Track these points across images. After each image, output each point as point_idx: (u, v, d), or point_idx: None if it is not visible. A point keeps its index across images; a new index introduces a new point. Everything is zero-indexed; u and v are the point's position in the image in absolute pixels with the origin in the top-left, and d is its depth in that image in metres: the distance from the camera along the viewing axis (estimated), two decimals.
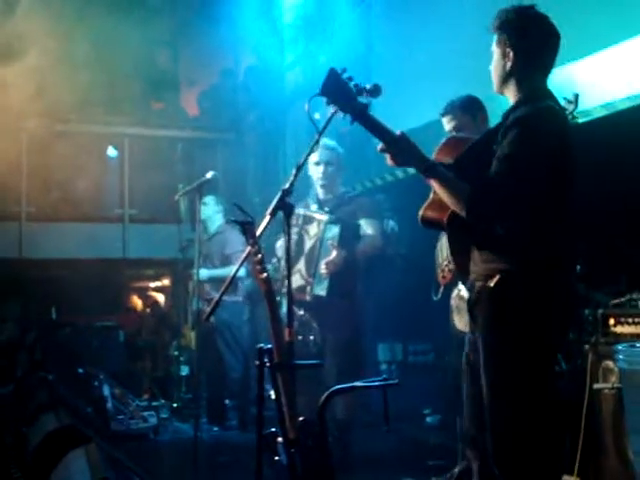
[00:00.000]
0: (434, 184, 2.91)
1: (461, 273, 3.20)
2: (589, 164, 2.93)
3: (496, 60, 3.01)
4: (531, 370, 2.85)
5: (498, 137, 2.88)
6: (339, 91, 2.84)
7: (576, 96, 3.91)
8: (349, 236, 5.11)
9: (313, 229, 5.11)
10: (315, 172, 5.28)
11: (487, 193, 2.78)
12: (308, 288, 5.02)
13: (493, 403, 2.86)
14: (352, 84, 2.86)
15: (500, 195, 2.77)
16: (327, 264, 4.97)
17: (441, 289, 4.48)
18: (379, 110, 3.15)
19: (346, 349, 5.09)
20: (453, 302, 4.38)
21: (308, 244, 5.09)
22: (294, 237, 4.92)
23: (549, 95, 2.98)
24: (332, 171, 5.26)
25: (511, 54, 2.95)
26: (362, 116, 2.87)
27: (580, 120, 4.13)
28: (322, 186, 5.27)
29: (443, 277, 4.39)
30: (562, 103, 3.86)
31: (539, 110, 2.87)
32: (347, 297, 5.10)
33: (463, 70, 5.83)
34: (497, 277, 2.87)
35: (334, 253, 4.99)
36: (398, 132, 2.89)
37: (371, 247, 5.25)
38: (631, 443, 3.50)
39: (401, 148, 2.88)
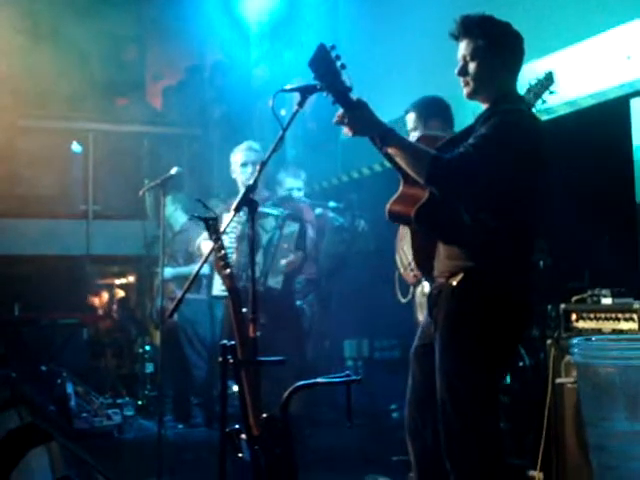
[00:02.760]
0: (394, 150, 2.87)
1: (420, 269, 3.21)
2: (553, 160, 2.95)
3: (466, 65, 2.99)
4: (487, 369, 2.88)
5: (476, 127, 2.89)
6: (326, 67, 2.81)
7: (549, 74, 3.91)
8: (304, 236, 5.23)
9: (269, 223, 5.17)
10: (241, 174, 5.32)
11: (453, 159, 2.76)
12: (262, 279, 5.04)
13: (447, 398, 2.88)
14: (339, 63, 2.83)
15: (466, 163, 2.75)
16: (289, 263, 5.07)
17: (411, 289, 4.47)
18: None
19: (298, 345, 5.17)
20: (417, 299, 4.39)
21: (264, 238, 5.14)
22: (247, 232, 4.99)
23: (521, 99, 3.02)
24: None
25: (484, 59, 2.95)
26: (345, 98, 2.84)
27: (544, 117, 4.16)
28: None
29: (415, 276, 4.37)
30: (533, 83, 3.89)
31: (517, 110, 2.91)
32: (291, 296, 5.23)
33: (431, 66, 5.85)
34: (460, 275, 2.88)
35: (296, 254, 5.11)
36: (355, 98, 2.86)
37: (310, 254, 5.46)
38: (587, 436, 3.54)
39: (362, 114, 2.86)
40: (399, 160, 2.88)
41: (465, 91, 3.03)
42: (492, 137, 2.79)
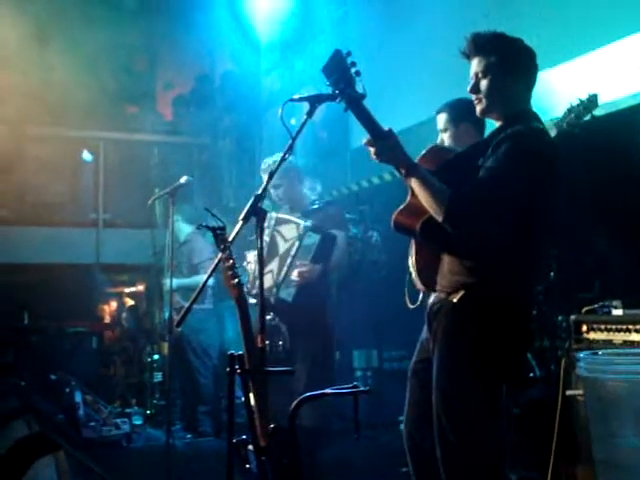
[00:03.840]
0: (415, 184, 2.87)
1: (422, 282, 3.20)
2: (565, 171, 2.93)
3: (478, 83, 2.97)
4: (485, 385, 2.86)
5: (489, 151, 2.86)
6: (340, 73, 2.79)
7: (594, 96, 3.87)
8: (326, 248, 5.00)
9: (290, 232, 4.95)
10: (272, 194, 5.16)
11: (469, 198, 2.76)
12: (274, 290, 4.92)
13: (443, 413, 2.87)
14: (354, 70, 2.81)
15: (481, 202, 2.74)
16: (300, 274, 4.86)
17: (420, 296, 4.42)
18: None
19: (315, 356, 4.99)
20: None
21: (282, 246, 4.97)
22: (265, 238, 4.83)
23: (535, 117, 2.98)
24: (284, 191, 5.16)
25: (496, 76, 2.93)
26: (357, 105, 2.83)
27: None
28: (288, 206, 5.22)
29: None
30: (575, 104, 3.85)
31: (531, 129, 2.87)
32: (315, 307, 5.02)
33: (443, 74, 5.82)
34: (461, 292, 2.87)
35: (309, 266, 4.89)
36: (387, 128, 2.86)
37: (338, 263, 5.19)
38: (594, 451, 3.49)
39: (389, 145, 2.86)
40: (418, 194, 2.87)
41: (478, 109, 3.01)
42: (505, 169, 2.77)
